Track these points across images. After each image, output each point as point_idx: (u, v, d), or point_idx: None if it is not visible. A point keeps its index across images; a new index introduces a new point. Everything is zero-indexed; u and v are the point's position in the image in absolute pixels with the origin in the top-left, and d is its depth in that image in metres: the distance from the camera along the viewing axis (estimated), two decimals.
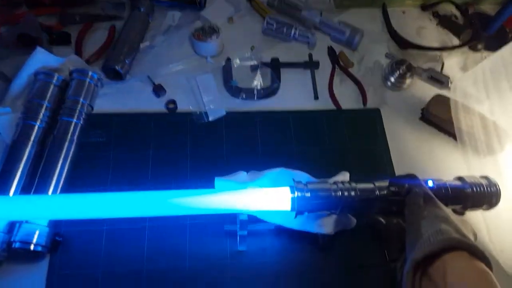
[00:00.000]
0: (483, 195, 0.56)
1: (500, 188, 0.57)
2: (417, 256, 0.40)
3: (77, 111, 0.66)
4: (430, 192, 0.49)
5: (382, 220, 0.53)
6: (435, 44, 0.88)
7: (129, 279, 0.57)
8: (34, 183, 0.61)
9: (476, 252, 0.40)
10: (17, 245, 0.55)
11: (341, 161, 0.71)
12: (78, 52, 0.76)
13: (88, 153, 0.66)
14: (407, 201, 0.49)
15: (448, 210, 0.46)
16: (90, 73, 0.69)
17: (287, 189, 0.53)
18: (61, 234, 0.59)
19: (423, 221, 0.44)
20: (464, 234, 0.42)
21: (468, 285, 0.37)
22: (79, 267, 0.58)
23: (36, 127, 0.64)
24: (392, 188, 0.53)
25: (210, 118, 0.71)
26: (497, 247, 0.63)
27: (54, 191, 0.60)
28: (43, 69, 0.69)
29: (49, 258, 0.58)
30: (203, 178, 0.64)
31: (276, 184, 0.60)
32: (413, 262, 0.40)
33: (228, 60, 0.78)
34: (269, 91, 0.76)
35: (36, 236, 0.56)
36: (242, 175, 0.61)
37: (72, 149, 0.64)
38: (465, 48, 0.88)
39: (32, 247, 0.55)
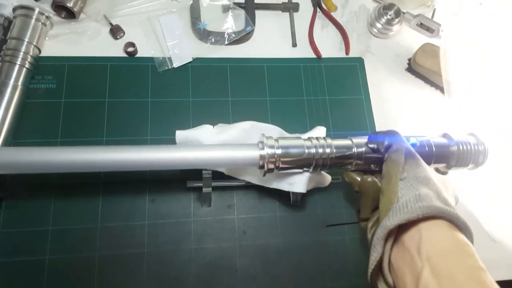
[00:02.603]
0: (470, 154, 0.52)
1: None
2: (390, 223, 0.36)
3: (21, 53, 0.58)
4: (412, 149, 0.43)
5: (357, 177, 0.49)
6: None
7: (81, 236, 0.53)
8: None
9: (457, 222, 0.36)
10: None
11: (319, 114, 0.65)
12: None
13: (36, 102, 0.59)
14: (386, 158, 0.44)
15: (430, 170, 0.41)
16: (37, 11, 0.60)
17: (256, 145, 0.49)
18: (5, 189, 0.53)
19: (402, 182, 0.39)
20: (445, 199, 0.37)
21: (444, 257, 0.33)
22: (26, 224, 0.53)
23: None
24: (371, 145, 0.48)
25: (175, 65, 0.64)
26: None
27: None
28: None
29: None
30: (165, 131, 0.60)
31: (245, 139, 0.55)
32: (385, 229, 0.36)
33: None
34: (241, 36, 0.68)
35: None
36: (207, 128, 0.56)
37: (16, 96, 0.57)
38: None
39: None
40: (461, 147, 0.52)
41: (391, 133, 0.46)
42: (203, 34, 0.67)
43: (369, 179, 0.47)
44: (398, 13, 0.72)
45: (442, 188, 0.39)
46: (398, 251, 0.36)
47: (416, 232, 0.35)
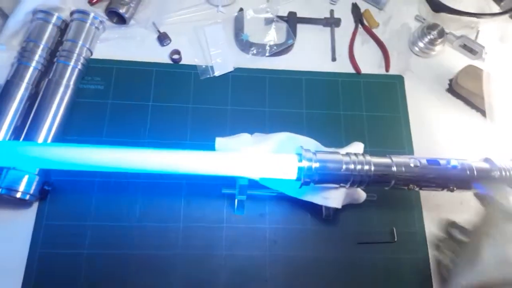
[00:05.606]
0: None
1: None
2: (474, 281, 0.36)
3: (75, 54, 0.62)
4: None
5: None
6: (472, 10, 0.79)
7: (118, 233, 0.55)
8: (26, 126, 0.57)
9: None
10: (3, 191, 0.52)
11: (355, 130, 0.65)
12: None
13: (84, 101, 0.62)
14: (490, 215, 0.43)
15: None
16: (91, 15, 0.64)
17: (294, 157, 0.49)
18: (51, 182, 0.56)
19: (485, 237, 0.39)
20: None
21: None
22: (68, 218, 0.55)
23: (31, 69, 0.60)
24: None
25: (216, 73, 0.66)
26: None
27: (46, 137, 0.57)
28: (42, 7, 0.64)
29: (37, 206, 0.55)
30: (203, 137, 0.61)
31: (281, 150, 0.56)
32: (459, 285, 0.36)
33: (241, 10, 0.71)
34: (282, 48, 0.69)
35: (23, 184, 0.53)
36: (246, 137, 0.57)
37: (68, 95, 0.60)
38: (505, 17, 0.79)
39: (18, 194, 0.52)
40: (503, 173, 0.51)
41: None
42: (245, 45, 0.69)
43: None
44: (441, 33, 0.71)
45: None
46: None
47: None
